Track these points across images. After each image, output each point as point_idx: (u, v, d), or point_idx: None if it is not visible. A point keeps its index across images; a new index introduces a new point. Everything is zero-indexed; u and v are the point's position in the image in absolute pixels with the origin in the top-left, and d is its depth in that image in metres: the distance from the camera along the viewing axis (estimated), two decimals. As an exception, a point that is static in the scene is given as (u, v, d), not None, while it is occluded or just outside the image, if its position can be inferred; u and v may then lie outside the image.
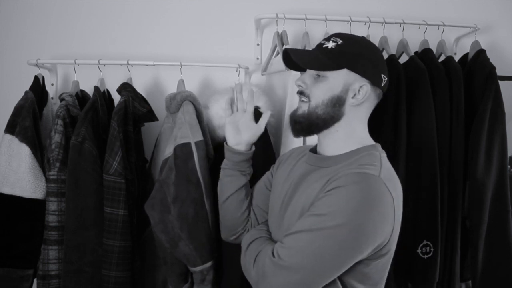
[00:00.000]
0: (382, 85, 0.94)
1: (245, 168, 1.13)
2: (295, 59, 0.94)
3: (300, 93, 0.96)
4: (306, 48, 1.48)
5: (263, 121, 1.15)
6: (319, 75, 0.93)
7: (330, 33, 0.98)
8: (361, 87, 0.91)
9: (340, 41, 0.92)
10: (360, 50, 0.93)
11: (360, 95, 0.92)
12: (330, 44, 0.93)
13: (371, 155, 0.91)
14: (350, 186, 0.82)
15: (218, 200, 1.16)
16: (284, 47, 1.47)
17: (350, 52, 0.91)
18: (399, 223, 0.87)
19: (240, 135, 1.12)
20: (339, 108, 0.92)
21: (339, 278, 0.86)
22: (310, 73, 0.96)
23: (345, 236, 0.80)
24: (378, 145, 0.96)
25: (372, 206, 0.81)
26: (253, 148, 1.15)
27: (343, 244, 0.80)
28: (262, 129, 1.15)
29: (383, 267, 0.91)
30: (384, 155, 0.94)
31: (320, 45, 0.95)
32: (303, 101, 0.96)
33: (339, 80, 0.91)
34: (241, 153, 1.11)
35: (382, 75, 0.94)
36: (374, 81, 0.93)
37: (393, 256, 1.36)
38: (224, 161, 1.14)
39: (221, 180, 1.14)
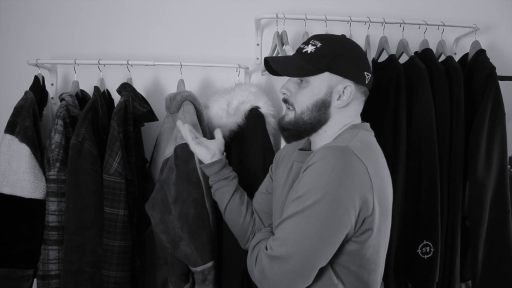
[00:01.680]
0: (366, 82, 0.94)
1: (228, 174, 1.16)
2: (274, 68, 0.94)
3: (285, 101, 0.96)
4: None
5: (218, 134, 1.24)
6: (302, 81, 0.93)
7: (330, 34, 0.98)
8: (345, 88, 0.91)
9: (319, 44, 0.91)
10: (340, 50, 0.92)
11: (345, 96, 0.91)
12: (310, 48, 0.92)
13: (348, 133, 0.91)
14: (319, 162, 0.82)
15: (222, 214, 1.19)
16: (284, 47, 1.47)
17: (330, 54, 0.90)
18: (384, 195, 0.86)
19: (209, 149, 1.15)
20: (325, 111, 0.92)
21: (339, 267, 0.86)
22: (293, 79, 0.95)
23: (324, 211, 0.79)
24: (363, 124, 0.96)
25: (343, 175, 0.80)
26: (224, 154, 1.19)
27: (324, 220, 0.80)
28: (221, 139, 1.22)
29: (377, 247, 0.88)
30: (364, 132, 0.92)
31: (299, 50, 0.95)
32: (289, 108, 0.96)
33: (322, 83, 0.91)
34: (216, 162, 1.14)
35: (365, 73, 0.93)
36: (358, 80, 0.92)
37: (393, 256, 1.37)
38: (209, 179, 1.17)
39: (214, 196, 1.18)
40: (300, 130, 0.94)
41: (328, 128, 0.94)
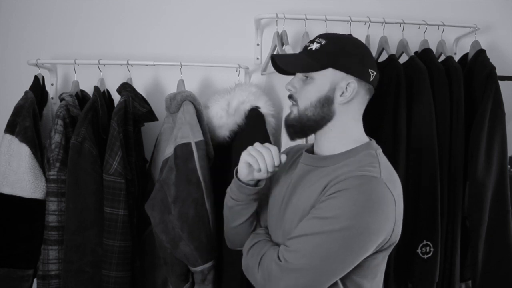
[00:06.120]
0: (371, 80, 0.94)
1: (257, 196, 1.02)
2: (279, 64, 0.95)
3: (290, 97, 0.98)
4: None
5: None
6: (306, 77, 0.94)
7: (336, 33, 0.99)
8: (348, 84, 0.91)
9: (323, 42, 0.93)
10: (344, 47, 0.93)
11: (348, 92, 0.92)
12: (314, 46, 0.93)
13: (369, 155, 0.91)
14: (353, 189, 0.83)
15: (226, 224, 1.09)
16: (284, 47, 1.47)
17: (334, 51, 0.92)
18: (401, 218, 0.89)
19: (252, 173, 0.97)
20: (328, 107, 0.93)
21: (342, 277, 0.87)
22: (299, 76, 0.96)
23: (351, 238, 0.81)
24: (373, 142, 0.97)
25: (375, 208, 0.82)
26: (264, 182, 1.01)
27: (349, 246, 0.82)
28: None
29: (383, 260, 0.92)
30: (380, 151, 0.94)
31: (305, 48, 0.96)
32: (293, 104, 0.97)
33: (325, 80, 0.92)
34: (252, 188, 0.99)
35: (370, 70, 0.93)
36: (362, 77, 0.92)
37: (393, 256, 1.37)
38: (233, 190, 1.02)
39: (231, 208, 1.04)
40: (305, 126, 0.94)
41: (333, 127, 0.94)
